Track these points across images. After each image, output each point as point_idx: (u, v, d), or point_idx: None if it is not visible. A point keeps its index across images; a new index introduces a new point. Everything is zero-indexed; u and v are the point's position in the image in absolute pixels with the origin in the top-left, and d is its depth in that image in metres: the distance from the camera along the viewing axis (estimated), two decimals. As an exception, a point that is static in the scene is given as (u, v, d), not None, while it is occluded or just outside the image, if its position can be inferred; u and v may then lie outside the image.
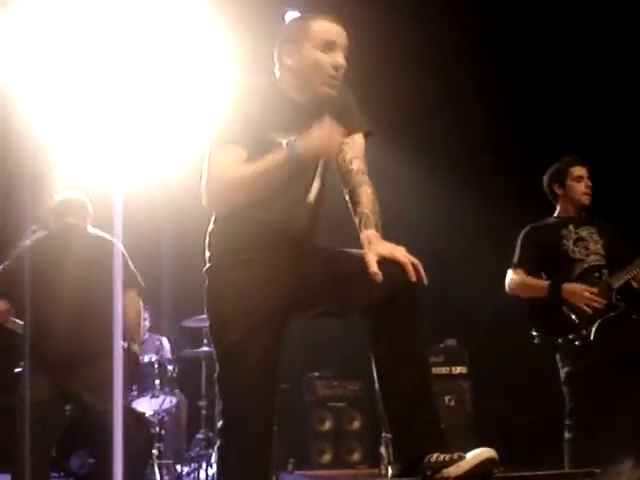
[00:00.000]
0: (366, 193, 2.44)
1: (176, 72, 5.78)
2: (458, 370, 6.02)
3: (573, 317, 3.74)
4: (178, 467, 5.39)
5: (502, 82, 6.05)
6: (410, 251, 2.32)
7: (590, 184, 3.98)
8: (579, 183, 3.99)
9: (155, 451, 4.87)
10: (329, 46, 2.41)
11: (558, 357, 3.86)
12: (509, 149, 5.99)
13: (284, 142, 2.36)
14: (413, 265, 2.26)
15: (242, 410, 2.36)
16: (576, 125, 5.80)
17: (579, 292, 3.73)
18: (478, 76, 5.98)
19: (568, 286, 3.77)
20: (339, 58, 2.41)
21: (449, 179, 6.37)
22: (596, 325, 3.71)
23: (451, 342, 6.16)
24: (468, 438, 5.43)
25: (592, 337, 3.68)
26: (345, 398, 6.54)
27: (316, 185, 2.48)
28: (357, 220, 2.43)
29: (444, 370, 5.98)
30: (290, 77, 2.47)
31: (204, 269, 2.50)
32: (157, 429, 5.01)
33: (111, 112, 5.65)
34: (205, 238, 2.53)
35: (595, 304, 3.71)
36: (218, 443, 2.43)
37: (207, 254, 2.50)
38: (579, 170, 4.00)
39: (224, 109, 2.41)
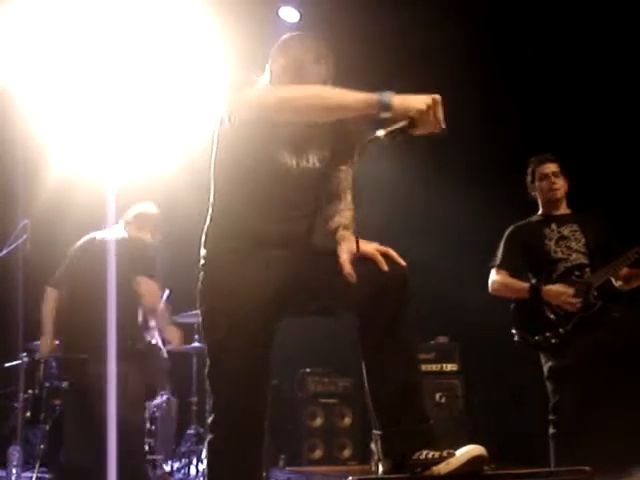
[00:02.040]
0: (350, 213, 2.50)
1: (170, 68, 5.77)
2: (449, 367, 6.02)
3: (552, 316, 3.80)
4: (169, 463, 5.38)
5: (496, 81, 6.06)
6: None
7: (554, 180, 4.07)
8: (544, 181, 4.10)
9: (146, 446, 4.87)
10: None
11: (541, 354, 3.91)
12: (506, 149, 5.99)
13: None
14: (387, 255, 2.29)
15: (232, 406, 2.36)
16: (570, 123, 5.82)
17: (556, 294, 3.80)
18: (472, 78, 5.98)
19: (547, 289, 3.84)
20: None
21: (443, 178, 6.38)
22: (572, 323, 3.76)
23: (442, 339, 6.17)
24: (459, 435, 5.44)
25: (566, 334, 3.76)
26: (336, 394, 6.54)
27: (313, 192, 2.50)
28: (332, 225, 2.47)
29: (435, 367, 5.98)
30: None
31: (199, 265, 2.51)
32: (148, 424, 5.01)
33: (104, 108, 5.64)
34: (199, 234, 2.54)
35: (569, 306, 3.77)
36: (208, 438, 2.42)
37: (202, 252, 2.51)
38: (544, 168, 4.11)
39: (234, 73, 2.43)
